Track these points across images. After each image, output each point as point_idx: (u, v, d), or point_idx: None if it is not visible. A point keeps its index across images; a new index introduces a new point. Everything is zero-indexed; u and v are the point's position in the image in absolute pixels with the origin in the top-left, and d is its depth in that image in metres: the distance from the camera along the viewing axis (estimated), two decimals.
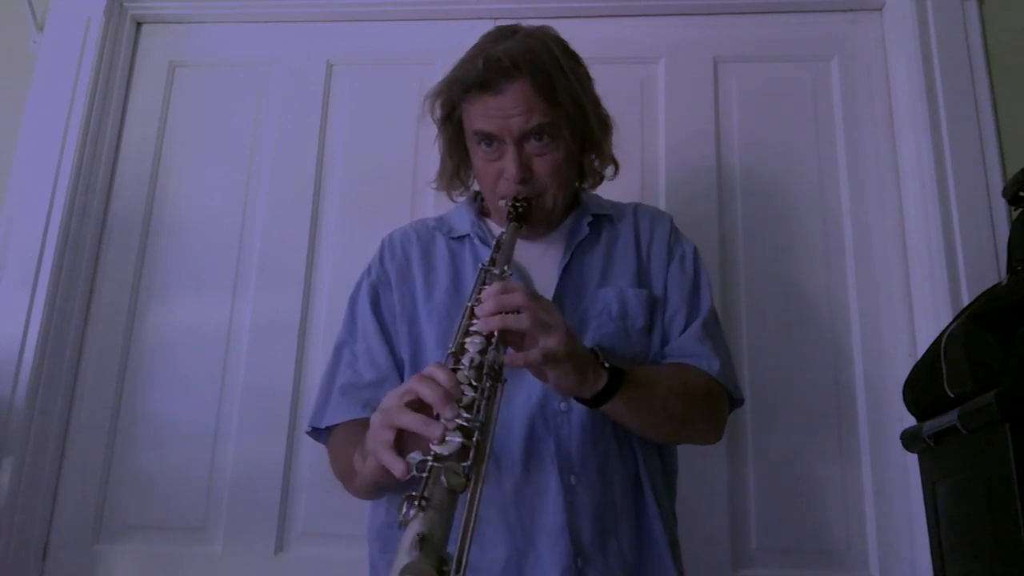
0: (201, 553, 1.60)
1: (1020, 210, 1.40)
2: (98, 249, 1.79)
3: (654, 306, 1.11)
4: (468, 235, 1.16)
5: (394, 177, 1.76)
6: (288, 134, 1.83)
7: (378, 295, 1.15)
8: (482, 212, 1.21)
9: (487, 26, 1.77)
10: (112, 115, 1.84)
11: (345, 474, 1.01)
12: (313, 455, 1.61)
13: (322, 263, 1.75)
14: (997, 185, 1.57)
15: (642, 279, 1.13)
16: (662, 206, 1.71)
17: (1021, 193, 1.39)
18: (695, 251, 1.18)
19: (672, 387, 1.03)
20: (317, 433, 1.12)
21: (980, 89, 1.64)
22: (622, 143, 1.72)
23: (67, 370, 1.69)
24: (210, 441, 1.66)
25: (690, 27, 1.82)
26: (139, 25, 1.94)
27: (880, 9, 1.79)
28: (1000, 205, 1.56)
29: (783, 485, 1.57)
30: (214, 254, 1.77)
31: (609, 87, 1.76)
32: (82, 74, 1.79)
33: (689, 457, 1.52)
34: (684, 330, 1.10)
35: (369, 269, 1.19)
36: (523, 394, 1.01)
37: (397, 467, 0.74)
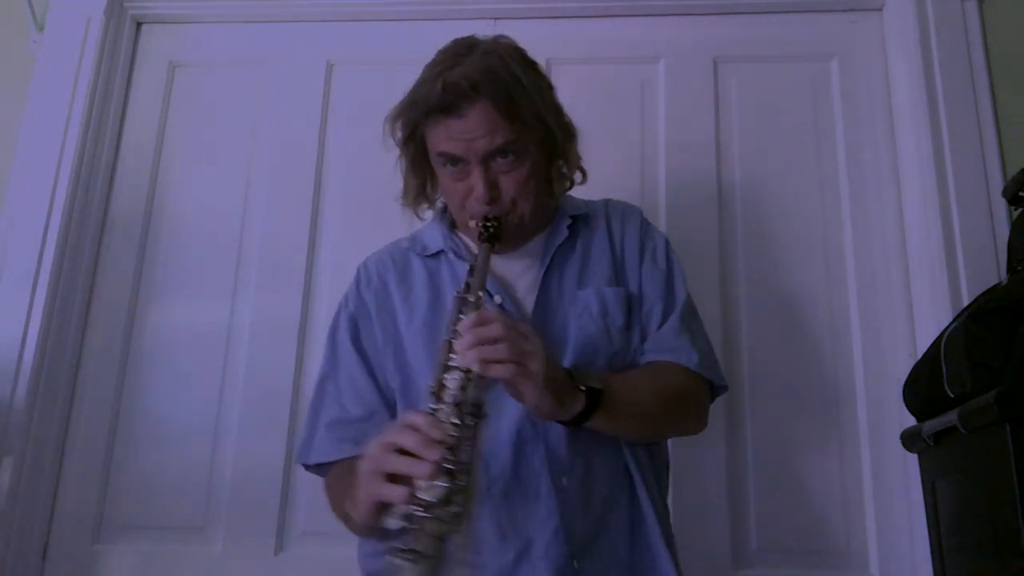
0: (201, 553, 1.60)
1: (1020, 210, 1.40)
2: (98, 249, 1.79)
3: (631, 303, 1.12)
4: (443, 251, 1.16)
5: (394, 177, 1.74)
6: (288, 134, 1.83)
7: (358, 328, 1.14)
8: (453, 225, 1.20)
9: (487, 26, 1.80)
10: (112, 115, 1.84)
11: (340, 512, 1.01)
12: None
13: (322, 263, 1.75)
14: (997, 185, 1.57)
15: (618, 277, 1.14)
16: (662, 206, 1.71)
17: (1021, 193, 1.39)
18: (667, 243, 1.19)
19: (651, 392, 1.03)
20: (307, 466, 1.12)
21: (980, 89, 1.64)
22: (622, 143, 1.74)
23: (67, 370, 1.69)
24: (210, 441, 1.66)
25: (690, 27, 1.82)
26: (139, 25, 1.94)
27: (880, 9, 1.79)
28: (1000, 205, 1.56)
29: (783, 485, 1.57)
30: (214, 254, 1.77)
31: (609, 87, 1.79)
32: (82, 74, 1.79)
33: (689, 457, 1.53)
34: (661, 324, 1.11)
35: (346, 300, 1.18)
36: (511, 402, 1.00)
37: (396, 494, 0.75)
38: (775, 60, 1.80)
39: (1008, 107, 1.63)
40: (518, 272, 1.14)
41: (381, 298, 1.15)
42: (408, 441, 0.78)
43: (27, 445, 1.61)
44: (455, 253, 1.15)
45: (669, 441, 1.18)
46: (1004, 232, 1.52)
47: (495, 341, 0.86)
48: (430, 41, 1.80)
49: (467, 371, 0.85)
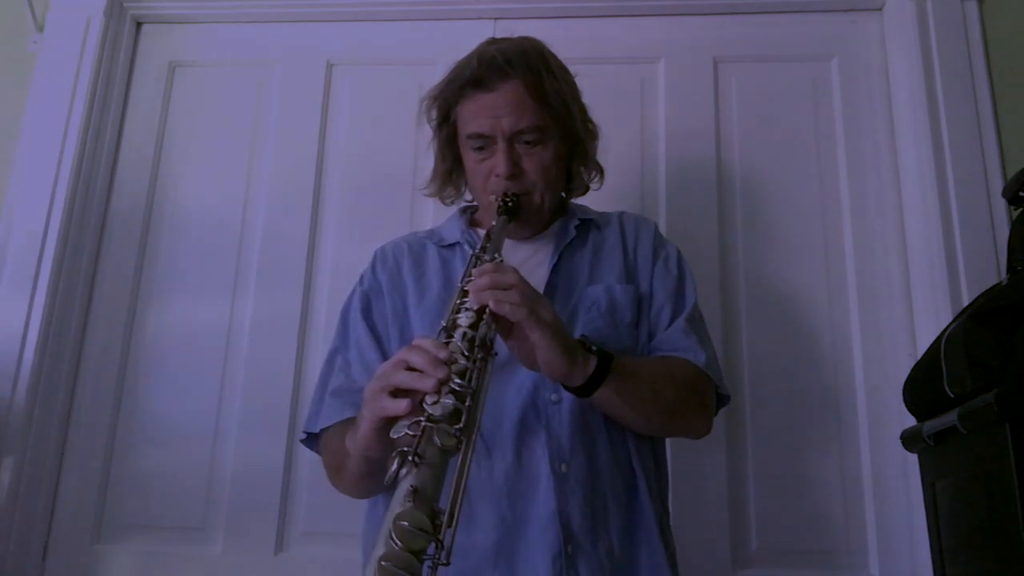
0: (201, 553, 1.60)
1: (1020, 210, 1.40)
2: (98, 249, 1.79)
3: (640, 302, 1.13)
4: (458, 243, 1.19)
5: (394, 177, 1.76)
6: (288, 134, 1.83)
7: (370, 303, 1.17)
8: (472, 223, 1.23)
9: (487, 26, 1.80)
10: (112, 115, 1.84)
11: (337, 464, 1.03)
12: (313, 454, 1.60)
13: (322, 263, 1.75)
14: (997, 185, 1.57)
15: (629, 276, 1.16)
16: (662, 206, 1.71)
17: (1021, 193, 1.39)
18: (679, 252, 1.21)
19: (661, 376, 1.04)
20: (311, 441, 1.13)
21: (980, 89, 1.64)
22: (622, 143, 1.74)
23: (67, 370, 1.69)
24: (210, 441, 1.66)
25: (690, 27, 1.82)
26: (139, 25, 1.94)
27: (880, 9, 1.79)
28: (1000, 205, 1.56)
29: (783, 485, 1.57)
30: (214, 254, 1.77)
31: (609, 87, 1.78)
32: (82, 74, 1.79)
33: (689, 458, 1.53)
34: (669, 325, 1.12)
35: (361, 279, 1.21)
36: (514, 386, 1.03)
37: (399, 406, 0.77)
38: (775, 60, 1.80)
39: (1008, 107, 1.63)
40: (527, 270, 1.14)
41: (395, 278, 1.18)
42: (415, 359, 0.79)
43: (27, 445, 1.61)
44: (470, 245, 1.17)
45: (669, 443, 1.18)
46: (1004, 232, 1.52)
47: (509, 287, 0.89)
48: (430, 41, 1.83)
49: (479, 311, 0.87)
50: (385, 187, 1.77)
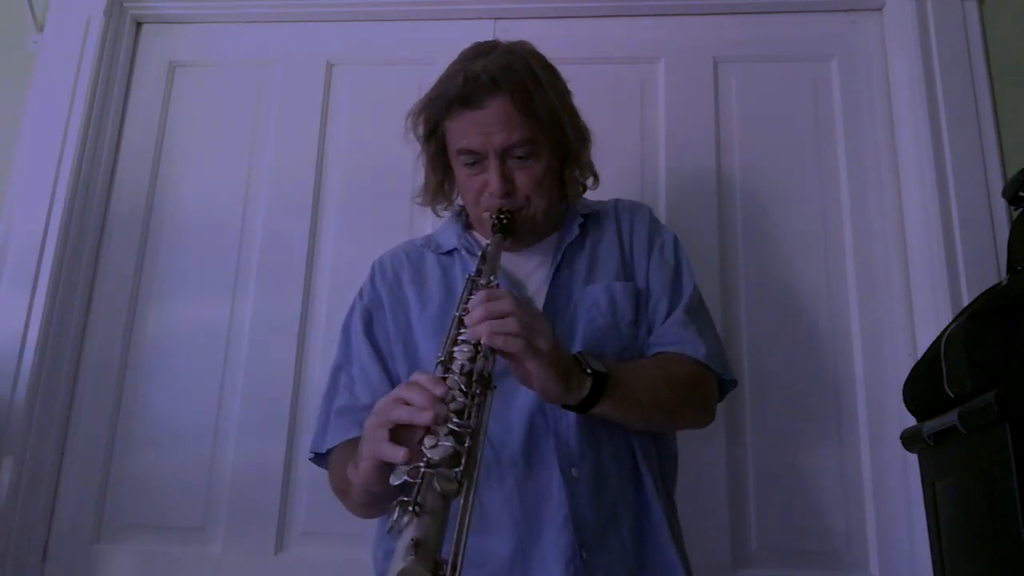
0: (201, 553, 1.60)
1: (1020, 210, 1.40)
2: (98, 249, 1.79)
3: (639, 298, 1.13)
4: (456, 249, 1.18)
5: (394, 177, 1.76)
6: (288, 134, 1.83)
7: (371, 317, 1.16)
8: (468, 226, 1.23)
9: (487, 26, 1.80)
10: (112, 115, 1.84)
11: (342, 488, 1.03)
12: None
13: (322, 263, 1.75)
14: (997, 185, 1.57)
15: (627, 272, 1.15)
16: (662, 206, 1.71)
17: (1021, 193, 1.39)
18: (675, 238, 1.21)
19: (659, 380, 1.04)
20: (320, 459, 1.13)
21: (980, 89, 1.64)
22: (622, 143, 1.74)
23: (67, 370, 1.69)
24: (210, 441, 1.66)
25: (690, 27, 1.82)
26: (139, 25, 1.94)
27: (880, 9, 1.79)
28: (1000, 205, 1.56)
29: (783, 486, 1.57)
30: (214, 254, 1.77)
31: (609, 87, 1.79)
32: (82, 74, 1.79)
33: (689, 457, 1.53)
34: (667, 317, 1.12)
35: (361, 292, 1.21)
36: (521, 392, 1.02)
37: (398, 454, 0.76)
38: (775, 60, 1.80)
39: (1008, 107, 1.63)
40: (528, 271, 1.16)
41: (395, 291, 1.17)
42: (413, 397, 0.78)
43: (27, 445, 1.61)
44: (468, 251, 1.17)
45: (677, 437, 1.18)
46: (1004, 232, 1.52)
47: (505, 316, 0.88)
48: (430, 41, 1.83)
49: (476, 343, 0.86)
50: (385, 187, 1.77)
